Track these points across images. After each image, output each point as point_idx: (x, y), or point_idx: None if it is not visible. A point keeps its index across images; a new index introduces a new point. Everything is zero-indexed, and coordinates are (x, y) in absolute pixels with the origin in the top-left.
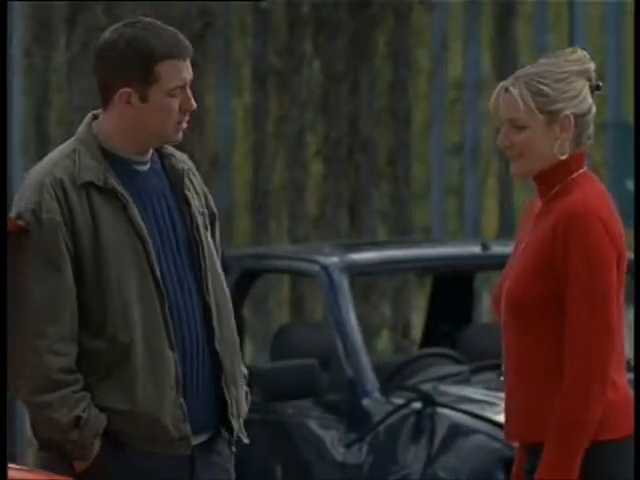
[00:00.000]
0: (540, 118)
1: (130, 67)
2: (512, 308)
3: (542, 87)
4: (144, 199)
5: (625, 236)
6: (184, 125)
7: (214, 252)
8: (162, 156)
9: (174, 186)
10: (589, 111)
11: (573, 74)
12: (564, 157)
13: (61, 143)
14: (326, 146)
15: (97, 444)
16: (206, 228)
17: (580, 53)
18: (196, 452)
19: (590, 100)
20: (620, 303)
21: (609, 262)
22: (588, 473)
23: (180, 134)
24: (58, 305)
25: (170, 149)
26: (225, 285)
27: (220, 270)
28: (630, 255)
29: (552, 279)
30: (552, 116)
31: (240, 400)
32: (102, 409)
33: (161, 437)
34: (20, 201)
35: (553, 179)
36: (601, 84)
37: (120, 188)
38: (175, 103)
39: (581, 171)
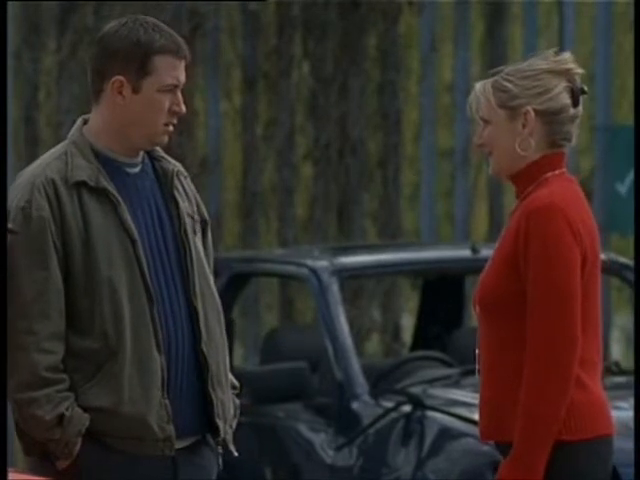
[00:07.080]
0: (500, 113)
1: (127, 55)
2: (481, 306)
3: (506, 83)
4: (134, 201)
5: (603, 239)
6: (171, 128)
7: (202, 256)
8: (153, 158)
9: (163, 188)
10: (560, 110)
11: (545, 72)
12: (525, 153)
13: (51, 145)
14: (316, 149)
15: (79, 443)
16: (195, 232)
17: (564, 55)
18: (179, 454)
19: (565, 100)
20: (595, 303)
21: (570, 261)
22: (551, 472)
23: (166, 137)
24: (47, 303)
25: (161, 152)
26: (214, 289)
27: (210, 274)
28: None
29: (516, 277)
30: (512, 112)
31: (226, 403)
32: (87, 408)
33: (145, 437)
34: (11, 201)
35: (526, 179)
36: (585, 88)
37: (111, 189)
38: (165, 101)
39: (557, 171)
